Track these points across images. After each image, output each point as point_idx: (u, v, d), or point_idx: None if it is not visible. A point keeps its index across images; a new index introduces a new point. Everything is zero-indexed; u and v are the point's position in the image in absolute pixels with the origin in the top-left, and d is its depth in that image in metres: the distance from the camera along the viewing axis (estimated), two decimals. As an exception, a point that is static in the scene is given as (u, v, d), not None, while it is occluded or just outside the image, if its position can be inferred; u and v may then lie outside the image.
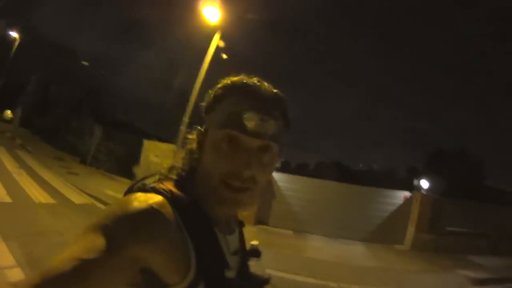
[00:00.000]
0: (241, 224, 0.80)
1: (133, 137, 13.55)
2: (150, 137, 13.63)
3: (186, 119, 9.07)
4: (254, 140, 0.61)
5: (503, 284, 6.44)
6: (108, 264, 0.48)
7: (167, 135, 13.47)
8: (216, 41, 9.21)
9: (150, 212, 0.54)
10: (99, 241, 0.49)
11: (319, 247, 7.92)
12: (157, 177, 0.70)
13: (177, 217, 0.58)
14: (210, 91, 0.69)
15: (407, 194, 9.62)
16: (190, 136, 0.71)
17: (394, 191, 9.80)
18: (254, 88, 0.64)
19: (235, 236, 0.74)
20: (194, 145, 0.69)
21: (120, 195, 0.64)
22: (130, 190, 0.63)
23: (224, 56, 9.81)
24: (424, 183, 16.72)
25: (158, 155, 11.11)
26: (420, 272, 6.81)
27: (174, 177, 0.69)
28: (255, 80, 0.66)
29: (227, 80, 0.67)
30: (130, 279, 0.53)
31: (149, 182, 0.66)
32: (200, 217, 0.61)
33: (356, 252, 7.97)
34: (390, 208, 9.55)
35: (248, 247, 0.81)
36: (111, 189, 9.49)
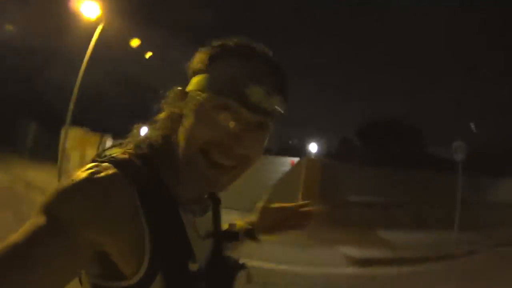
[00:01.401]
0: (216, 202, 0.71)
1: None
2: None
3: (71, 106, 10.02)
4: (254, 116, 0.53)
5: (392, 265, 5.40)
6: (52, 250, 0.43)
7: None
8: (97, 34, 10.02)
9: (100, 187, 0.48)
10: (43, 224, 0.44)
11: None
12: (126, 147, 0.59)
13: (133, 194, 0.50)
14: (202, 49, 0.59)
15: (294, 159, 9.03)
16: (170, 98, 0.60)
17: (284, 157, 9.53)
18: (261, 55, 0.56)
19: (208, 216, 0.66)
20: (174, 110, 0.59)
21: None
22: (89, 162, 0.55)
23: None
24: (313, 147, 15.96)
25: (75, 143, 11.60)
26: (288, 245, 5.38)
27: (144, 147, 0.58)
28: (262, 46, 0.58)
29: (228, 41, 0.57)
30: (83, 265, 0.48)
31: (112, 152, 0.56)
32: (162, 195, 0.54)
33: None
34: (279, 176, 8.89)
35: (225, 228, 0.75)
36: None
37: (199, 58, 0.59)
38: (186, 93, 0.58)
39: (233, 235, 0.76)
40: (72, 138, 11.78)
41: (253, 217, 0.90)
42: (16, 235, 0.44)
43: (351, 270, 5.19)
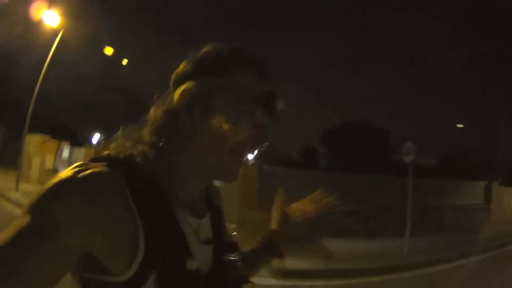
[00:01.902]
0: (217, 210, 0.70)
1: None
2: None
3: (30, 109, 9.91)
4: (267, 117, 0.60)
5: (322, 277, 5.16)
6: (38, 250, 0.42)
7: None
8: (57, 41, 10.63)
9: (86, 185, 0.47)
10: (28, 224, 0.43)
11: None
12: (119, 147, 0.58)
13: (125, 192, 0.49)
14: (211, 51, 0.60)
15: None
16: (171, 98, 0.60)
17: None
18: (265, 66, 0.62)
19: (207, 221, 0.64)
20: (175, 110, 0.59)
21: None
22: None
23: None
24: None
25: (36, 149, 11.50)
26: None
27: (139, 147, 0.58)
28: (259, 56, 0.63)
29: (233, 46, 0.62)
30: (71, 264, 0.47)
31: (106, 152, 0.56)
32: (157, 193, 0.53)
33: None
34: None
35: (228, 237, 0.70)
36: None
37: (212, 61, 0.59)
38: (198, 93, 0.58)
39: (232, 246, 0.68)
40: (33, 144, 11.70)
41: (270, 228, 0.81)
42: (1, 236, 0.43)
43: (272, 281, 4.72)
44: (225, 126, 0.56)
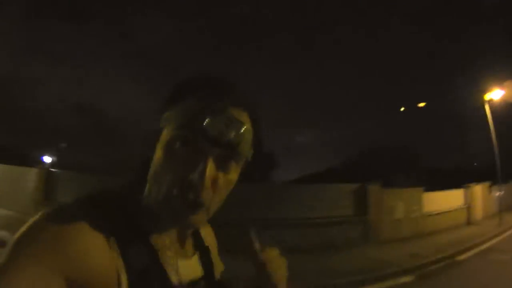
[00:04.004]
0: (205, 249, 0.69)
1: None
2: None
3: None
4: (218, 149, 0.52)
5: None
6: None
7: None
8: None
9: (63, 227, 0.46)
10: (5, 268, 0.42)
11: None
12: (99, 189, 0.57)
13: (109, 236, 0.49)
14: (170, 88, 0.58)
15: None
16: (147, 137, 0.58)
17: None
18: (220, 84, 0.56)
19: (194, 261, 0.64)
20: (147, 146, 0.57)
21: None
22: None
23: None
24: (47, 159, 17.82)
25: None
26: None
27: (116, 189, 0.58)
28: (221, 75, 0.58)
29: (191, 75, 0.59)
30: None
31: (85, 195, 0.54)
32: (139, 236, 0.53)
33: None
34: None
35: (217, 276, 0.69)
36: None
37: (167, 96, 0.58)
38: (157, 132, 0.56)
39: (221, 286, 0.68)
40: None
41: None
42: None
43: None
44: (164, 159, 0.53)
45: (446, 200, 12.71)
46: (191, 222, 0.54)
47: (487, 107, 13.68)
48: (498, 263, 7.21)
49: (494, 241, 9.87)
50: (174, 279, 0.55)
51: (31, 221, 0.47)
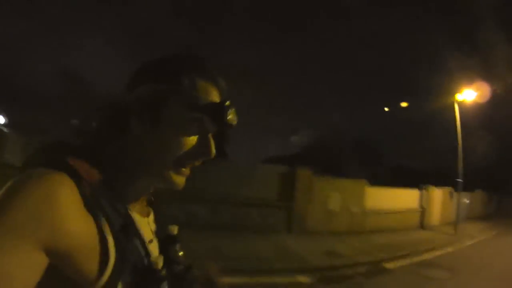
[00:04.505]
0: (153, 204, 0.73)
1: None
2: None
3: None
4: (215, 128, 0.60)
5: None
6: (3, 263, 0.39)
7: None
8: None
9: (41, 190, 0.44)
10: None
11: None
12: (66, 145, 0.56)
13: (85, 197, 0.48)
14: (162, 57, 0.60)
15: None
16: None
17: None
18: (218, 75, 0.61)
19: (151, 219, 0.68)
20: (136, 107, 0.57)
21: None
22: (28, 163, 0.51)
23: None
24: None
25: None
26: None
27: (85, 146, 0.59)
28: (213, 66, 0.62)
29: (187, 54, 0.61)
30: (36, 278, 0.42)
31: (50, 153, 0.53)
32: (114, 197, 0.54)
33: None
34: None
35: (165, 230, 0.71)
36: None
37: (164, 68, 0.58)
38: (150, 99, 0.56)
39: (171, 238, 0.71)
40: None
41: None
42: None
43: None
44: (172, 134, 0.56)
45: (397, 199, 11.72)
46: (179, 186, 0.60)
47: (456, 108, 12.84)
48: (429, 282, 5.82)
49: (439, 252, 8.54)
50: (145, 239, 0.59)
51: (4, 188, 0.44)
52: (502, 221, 17.92)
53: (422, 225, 12.72)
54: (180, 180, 0.59)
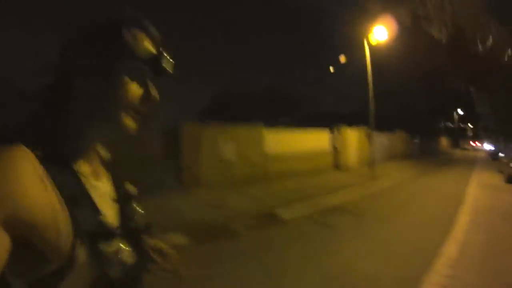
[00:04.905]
0: (111, 167, 0.74)
1: None
2: None
3: None
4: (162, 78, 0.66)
5: None
6: None
7: None
8: None
9: (10, 166, 0.47)
10: None
11: None
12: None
13: (37, 164, 0.51)
14: (100, 18, 0.61)
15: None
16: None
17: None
18: (155, 29, 0.65)
19: (106, 181, 0.69)
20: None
21: None
22: None
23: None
24: None
25: None
26: None
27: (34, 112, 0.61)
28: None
29: (124, 12, 0.62)
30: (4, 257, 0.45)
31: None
32: (64, 163, 0.57)
33: None
34: None
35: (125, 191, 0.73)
36: None
37: (104, 28, 0.60)
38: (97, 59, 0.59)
39: (128, 197, 0.72)
40: None
41: None
42: None
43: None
44: (118, 86, 0.59)
45: (305, 142, 11.54)
46: (132, 130, 0.63)
47: (366, 48, 12.50)
48: (326, 231, 4.93)
49: (350, 195, 7.82)
50: (99, 205, 0.60)
51: None
52: (423, 161, 18.95)
53: (337, 167, 12.90)
54: (132, 124, 0.62)
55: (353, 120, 14.36)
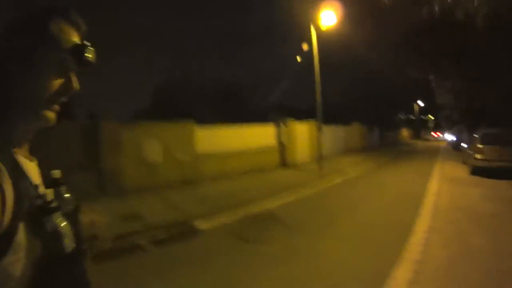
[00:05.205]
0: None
1: None
2: None
3: None
4: (83, 69, 0.68)
5: None
6: None
7: None
8: None
9: None
10: None
11: None
12: None
13: None
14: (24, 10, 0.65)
15: None
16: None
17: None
18: (79, 19, 0.68)
19: (36, 166, 0.71)
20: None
21: None
22: None
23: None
24: None
25: None
26: None
27: None
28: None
29: (53, 4, 0.66)
30: None
31: None
32: (2, 143, 0.59)
33: None
34: None
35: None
36: None
37: (28, 19, 0.64)
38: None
39: (53, 182, 0.74)
40: None
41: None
42: None
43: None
44: (43, 75, 0.62)
45: (246, 138, 10.69)
46: (52, 122, 0.65)
47: (313, 34, 11.69)
48: (243, 248, 4.15)
49: (289, 197, 6.97)
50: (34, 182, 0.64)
51: None
52: (382, 153, 18.13)
53: (284, 164, 12.10)
54: (52, 116, 0.65)
55: (313, 115, 13.54)
